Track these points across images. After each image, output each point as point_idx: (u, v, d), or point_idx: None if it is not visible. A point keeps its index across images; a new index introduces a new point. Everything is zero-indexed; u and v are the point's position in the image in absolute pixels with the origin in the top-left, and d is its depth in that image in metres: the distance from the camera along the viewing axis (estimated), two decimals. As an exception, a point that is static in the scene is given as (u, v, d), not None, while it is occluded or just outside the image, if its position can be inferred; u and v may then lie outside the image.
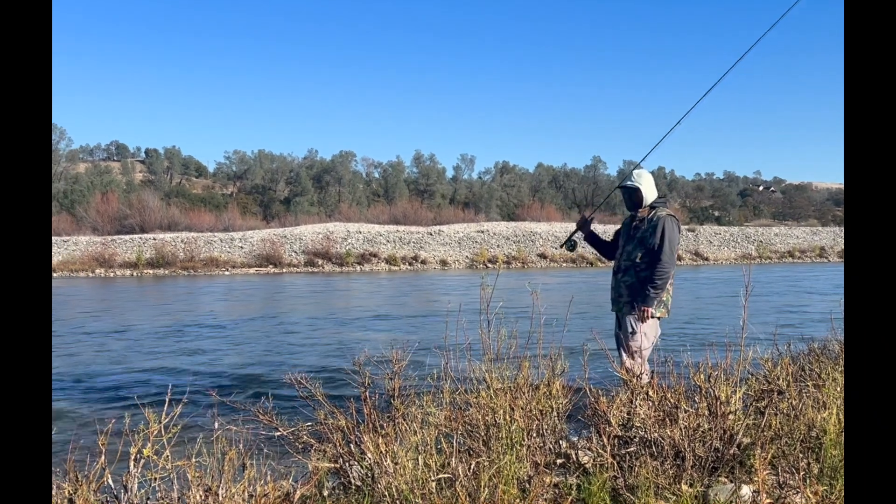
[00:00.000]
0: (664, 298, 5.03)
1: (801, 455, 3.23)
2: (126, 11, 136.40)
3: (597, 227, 43.34)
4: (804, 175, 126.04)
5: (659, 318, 5.03)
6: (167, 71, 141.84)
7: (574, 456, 3.60)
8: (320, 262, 36.50)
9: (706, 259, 42.00)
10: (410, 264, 37.56)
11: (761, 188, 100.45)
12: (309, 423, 3.67)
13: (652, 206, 5.13)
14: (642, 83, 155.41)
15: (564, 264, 37.61)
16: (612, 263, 5.34)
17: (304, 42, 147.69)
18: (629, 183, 5.15)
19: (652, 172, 5.52)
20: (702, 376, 3.58)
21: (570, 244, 5.57)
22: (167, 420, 2.96)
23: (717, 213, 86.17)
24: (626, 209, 5.29)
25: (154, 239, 38.47)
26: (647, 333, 4.97)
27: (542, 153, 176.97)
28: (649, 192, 5.14)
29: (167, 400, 3.06)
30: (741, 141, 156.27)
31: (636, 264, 4.98)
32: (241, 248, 37.74)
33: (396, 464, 3.02)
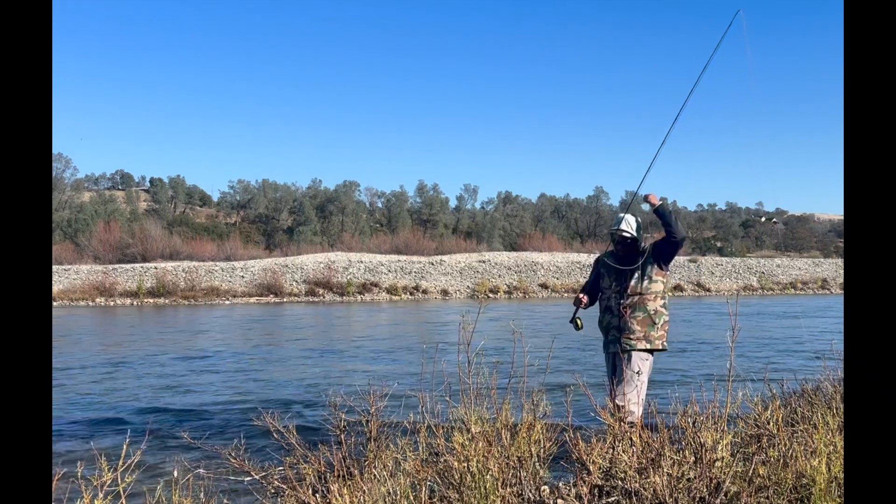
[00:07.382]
0: (660, 334, 4.99)
1: (788, 506, 3.08)
2: (131, 40, 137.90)
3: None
4: (806, 206, 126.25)
5: (657, 351, 5.01)
6: (173, 100, 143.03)
7: (553, 505, 3.45)
8: (321, 291, 36.40)
9: (708, 290, 41.81)
10: (412, 294, 37.42)
11: (763, 219, 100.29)
12: (280, 468, 3.55)
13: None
14: (645, 113, 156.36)
15: (566, 294, 37.43)
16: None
17: (308, 71, 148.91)
18: (627, 233, 5.13)
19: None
20: (688, 420, 3.44)
21: (575, 324, 5.37)
22: (123, 468, 2.83)
23: (719, 244, 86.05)
24: (613, 245, 5.20)
25: (155, 268, 38.46)
26: (645, 372, 4.99)
27: (544, 183, 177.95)
28: (640, 237, 5.17)
29: (125, 446, 2.93)
30: (743, 172, 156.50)
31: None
32: (242, 277, 37.67)
33: (362, 515, 2.88)
